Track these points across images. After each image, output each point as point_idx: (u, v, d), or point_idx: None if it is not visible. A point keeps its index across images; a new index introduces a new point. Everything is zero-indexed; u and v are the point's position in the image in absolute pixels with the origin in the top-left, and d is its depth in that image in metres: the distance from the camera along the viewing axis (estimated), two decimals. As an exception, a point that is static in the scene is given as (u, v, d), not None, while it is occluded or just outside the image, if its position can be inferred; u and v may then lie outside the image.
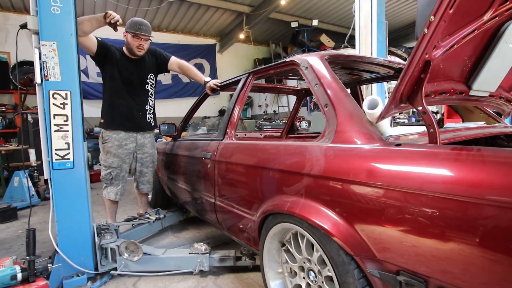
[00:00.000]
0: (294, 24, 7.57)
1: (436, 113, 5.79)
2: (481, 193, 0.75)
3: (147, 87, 2.58)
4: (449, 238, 0.80)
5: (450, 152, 0.87)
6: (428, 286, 0.88)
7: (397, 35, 8.92)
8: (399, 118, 5.77)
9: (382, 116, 1.10)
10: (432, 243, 0.84)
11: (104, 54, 2.38)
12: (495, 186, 0.74)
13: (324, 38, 7.99)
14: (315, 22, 7.48)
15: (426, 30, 0.93)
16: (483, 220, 0.75)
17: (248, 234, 1.68)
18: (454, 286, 0.82)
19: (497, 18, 1.13)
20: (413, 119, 5.68)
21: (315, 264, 1.28)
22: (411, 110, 5.75)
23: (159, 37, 7.88)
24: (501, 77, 1.37)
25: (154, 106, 2.68)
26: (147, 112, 2.59)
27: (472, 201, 0.76)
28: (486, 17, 1.10)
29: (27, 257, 1.63)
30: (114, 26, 2.15)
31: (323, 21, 8.23)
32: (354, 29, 3.50)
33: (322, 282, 1.26)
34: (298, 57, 1.56)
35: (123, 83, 2.45)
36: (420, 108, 1.03)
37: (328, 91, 1.30)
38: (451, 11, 0.92)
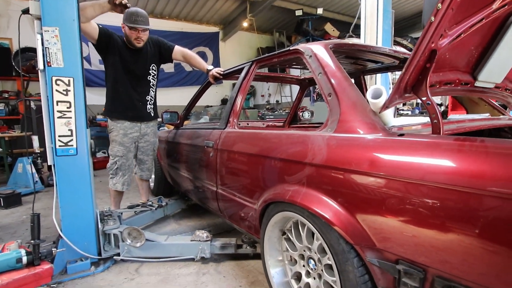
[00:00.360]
0: (298, 13, 7.45)
1: (440, 105, 5.73)
2: (482, 184, 0.75)
3: (149, 78, 2.57)
4: (449, 228, 0.80)
5: (453, 143, 0.87)
6: (426, 275, 0.89)
7: (404, 24, 8.76)
8: (402, 110, 5.73)
9: (385, 106, 1.10)
10: (432, 234, 0.84)
11: (106, 42, 2.36)
12: (496, 178, 0.74)
13: (328, 27, 7.87)
14: (319, 11, 7.35)
15: (433, 18, 0.91)
16: (484, 211, 0.75)
17: (249, 223, 1.70)
18: (452, 276, 0.82)
19: (506, 6, 1.11)
20: (417, 111, 5.63)
21: (315, 253, 1.29)
22: (414, 102, 5.71)
23: (161, 25, 7.81)
24: (507, 68, 1.36)
25: (155, 96, 2.67)
26: (148, 102, 2.59)
27: (474, 192, 0.76)
28: (495, 5, 1.08)
29: (32, 241, 1.66)
30: (121, 8, 2.11)
31: (328, 10, 8.09)
32: (359, 18, 3.45)
33: (322, 270, 1.27)
34: (302, 46, 1.55)
35: (125, 73, 2.44)
36: (424, 98, 1.02)
37: (332, 80, 1.29)
38: (459, -1, 0.90)
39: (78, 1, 1.85)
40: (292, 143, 1.37)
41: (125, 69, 2.43)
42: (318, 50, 1.43)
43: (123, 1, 2.09)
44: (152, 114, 2.66)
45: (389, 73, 3.26)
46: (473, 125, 1.34)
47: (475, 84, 1.33)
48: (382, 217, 0.96)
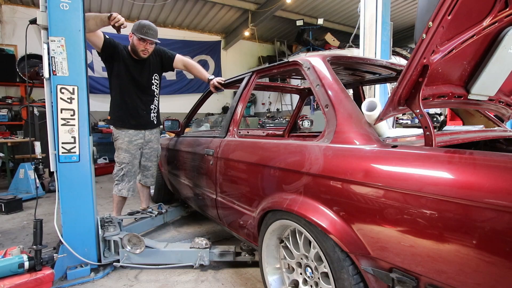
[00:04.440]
0: (299, 23, 7.57)
1: (440, 114, 5.78)
2: (471, 195, 0.78)
3: (153, 87, 2.62)
4: (442, 238, 0.83)
5: (443, 155, 0.90)
6: (419, 284, 0.91)
7: (403, 35, 8.88)
8: (402, 119, 5.77)
9: (380, 118, 1.13)
10: (425, 243, 0.87)
11: (111, 52, 2.41)
12: (484, 189, 0.77)
13: (329, 37, 7.98)
14: (320, 21, 7.46)
15: (424, 35, 0.96)
16: (473, 222, 0.77)
17: (248, 230, 1.72)
18: (447, 286, 0.84)
19: (496, 24, 1.16)
20: (417, 120, 5.65)
21: (312, 261, 1.31)
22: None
23: (164, 33, 7.90)
24: (500, 82, 1.40)
25: (158, 105, 2.72)
26: (152, 111, 2.65)
27: (466, 203, 0.78)
28: (486, 22, 1.13)
29: (34, 247, 1.68)
30: (117, 28, 2.18)
31: (329, 20, 8.22)
32: (359, 28, 3.51)
33: (318, 278, 1.29)
34: (300, 58, 1.59)
35: (130, 83, 2.50)
36: (417, 111, 1.06)
37: (329, 92, 1.33)
38: (449, 17, 0.95)
39: (84, 12, 1.91)
40: (290, 152, 1.40)
41: (130, 79, 2.49)
42: (316, 62, 1.48)
43: (116, 24, 2.15)
44: (155, 122, 2.71)
45: (388, 84, 3.30)
46: (467, 137, 1.37)
47: (469, 97, 1.36)
48: (376, 226, 0.99)
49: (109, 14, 2.14)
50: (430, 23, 0.94)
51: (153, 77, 2.61)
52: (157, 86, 2.67)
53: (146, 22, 2.41)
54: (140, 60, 2.50)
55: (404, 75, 1.02)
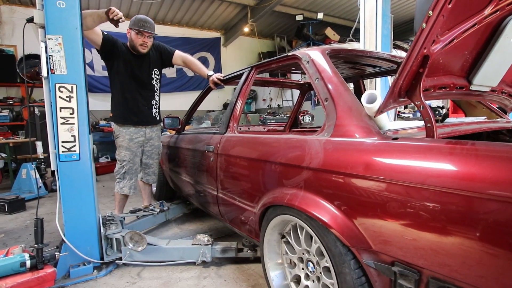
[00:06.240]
0: (299, 17, 7.50)
1: (442, 108, 5.74)
2: (474, 186, 0.76)
3: (153, 82, 2.61)
4: (448, 232, 0.81)
5: (445, 146, 0.88)
6: (421, 277, 0.90)
7: (404, 28, 8.79)
8: (403, 113, 5.73)
9: (380, 110, 1.12)
10: (426, 236, 0.86)
11: (110, 48, 2.40)
12: (487, 180, 0.75)
13: (329, 32, 7.91)
14: (320, 15, 7.40)
15: (424, 25, 0.94)
16: (476, 214, 0.76)
17: (250, 226, 1.71)
18: (450, 278, 0.83)
19: (498, 12, 1.13)
20: (418, 114, 5.62)
21: (314, 255, 1.31)
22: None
23: (163, 30, 7.88)
24: (502, 72, 1.37)
25: (159, 101, 2.71)
26: (153, 107, 2.64)
27: (467, 194, 0.77)
28: (487, 11, 1.10)
29: (36, 245, 1.69)
30: (115, 22, 2.16)
31: (328, 14, 8.14)
32: (359, 22, 3.48)
33: (320, 273, 1.29)
34: (300, 52, 1.57)
35: (130, 79, 2.48)
36: (418, 102, 1.04)
37: (329, 85, 1.32)
38: (450, 6, 0.93)
39: (81, 10, 1.90)
40: (290, 147, 1.39)
41: (130, 75, 2.48)
42: (315, 55, 1.46)
43: (115, 17, 2.14)
44: (158, 118, 2.71)
45: (389, 77, 3.27)
46: (469, 128, 1.35)
47: (471, 88, 1.34)
48: (377, 220, 0.97)
49: (106, 9, 2.13)
50: (430, 12, 0.92)
51: (153, 72, 2.60)
52: (158, 81, 2.66)
53: (142, 16, 2.41)
54: (140, 55, 2.49)
55: (404, 66, 1.00)
